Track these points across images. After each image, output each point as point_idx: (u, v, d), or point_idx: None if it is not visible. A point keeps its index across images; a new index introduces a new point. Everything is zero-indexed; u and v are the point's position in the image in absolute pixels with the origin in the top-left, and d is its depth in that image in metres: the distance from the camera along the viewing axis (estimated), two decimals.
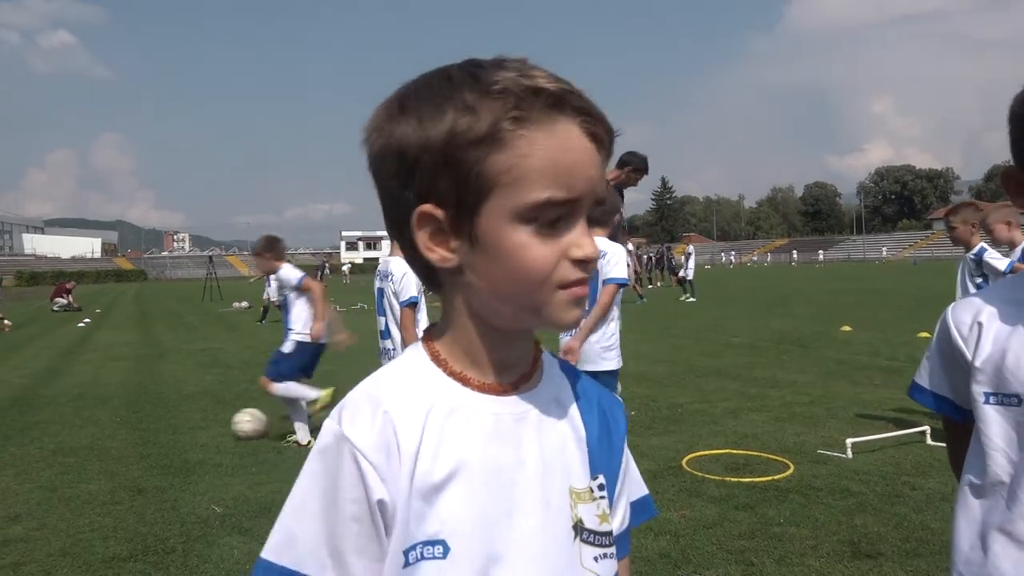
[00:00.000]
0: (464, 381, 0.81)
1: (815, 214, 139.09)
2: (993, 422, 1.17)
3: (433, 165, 0.74)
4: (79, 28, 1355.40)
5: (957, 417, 1.28)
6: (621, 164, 6.28)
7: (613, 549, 0.85)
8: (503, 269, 0.75)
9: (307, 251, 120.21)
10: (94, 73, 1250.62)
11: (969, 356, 1.21)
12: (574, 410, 0.87)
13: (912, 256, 76.50)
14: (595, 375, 3.17)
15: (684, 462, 5.16)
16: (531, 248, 0.74)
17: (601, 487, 0.85)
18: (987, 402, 1.17)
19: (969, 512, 1.19)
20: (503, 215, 0.73)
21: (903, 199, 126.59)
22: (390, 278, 4.27)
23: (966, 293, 5.60)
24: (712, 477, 4.82)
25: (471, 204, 0.74)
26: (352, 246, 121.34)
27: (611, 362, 4.28)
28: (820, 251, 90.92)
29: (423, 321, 4.18)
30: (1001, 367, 1.16)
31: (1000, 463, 1.15)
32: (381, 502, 0.75)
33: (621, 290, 4.32)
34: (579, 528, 0.82)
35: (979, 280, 5.60)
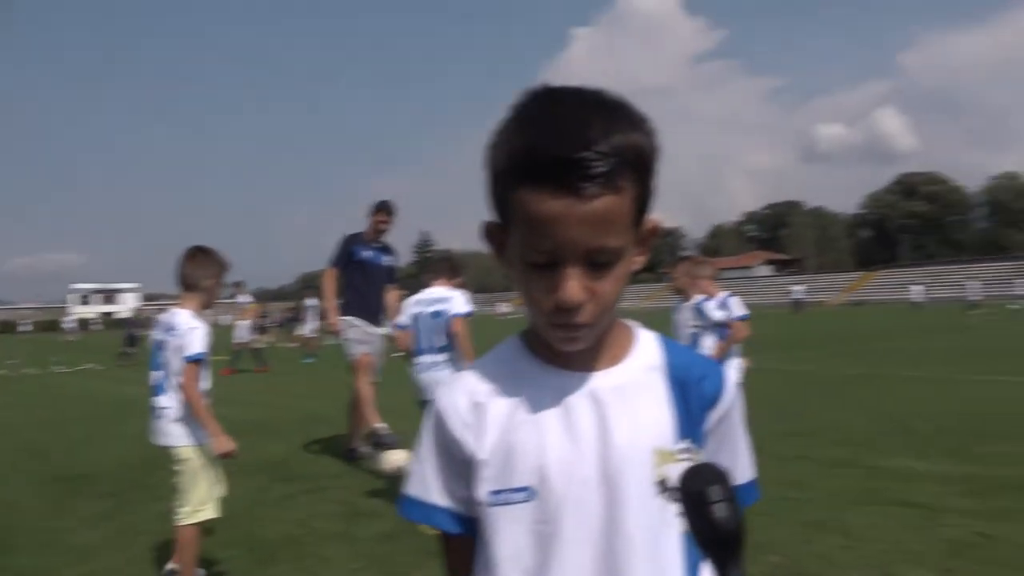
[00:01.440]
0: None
1: None
2: (502, 528, 0.97)
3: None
4: None
5: (457, 529, 1.02)
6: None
7: None
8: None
9: (31, 305, 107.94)
10: None
11: (472, 448, 0.99)
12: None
13: (649, 306, 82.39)
14: None
15: None
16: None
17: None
18: (494, 503, 0.97)
19: None
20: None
21: None
22: (174, 331, 3.88)
23: (683, 340, 5.88)
24: None
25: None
26: (85, 299, 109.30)
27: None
28: None
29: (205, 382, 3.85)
30: (508, 456, 0.97)
31: None
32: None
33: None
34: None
35: (693, 330, 5.94)
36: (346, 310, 6.98)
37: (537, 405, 0.98)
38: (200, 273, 3.82)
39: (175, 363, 3.72)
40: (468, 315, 5.37)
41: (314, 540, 4.77)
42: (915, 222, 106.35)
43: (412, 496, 1.05)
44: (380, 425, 6.68)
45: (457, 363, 5.23)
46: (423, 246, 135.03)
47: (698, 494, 0.84)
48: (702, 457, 1.00)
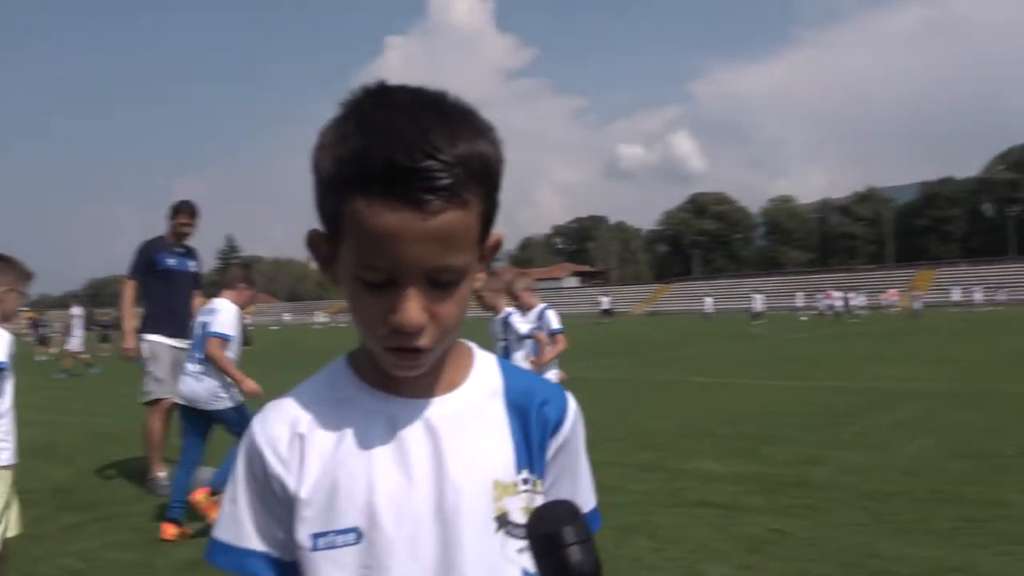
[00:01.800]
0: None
1: None
2: (324, 574, 0.85)
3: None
4: None
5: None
6: None
7: None
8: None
9: None
10: None
11: (292, 485, 0.87)
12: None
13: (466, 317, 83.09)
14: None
15: None
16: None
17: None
18: (317, 547, 0.85)
19: None
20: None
21: None
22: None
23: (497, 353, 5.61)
24: None
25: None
26: None
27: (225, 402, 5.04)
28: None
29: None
30: (333, 494, 0.86)
31: None
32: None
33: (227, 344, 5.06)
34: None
35: (503, 343, 5.95)
36: (149, 325, 6.37)
37: (365, 436, 0.88)
38: None
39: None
40: (223, 337, 5.04)
41: (107, 573, 4.32)
42: (705, 238, 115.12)
43: (221, 540, 0.90)
44: (161, 475, 6.18)
45: (217, 378, 5.03)
46: (228, 252, 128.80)
47: (551, 536, 0.78)
48: (544, 487, 0.93)
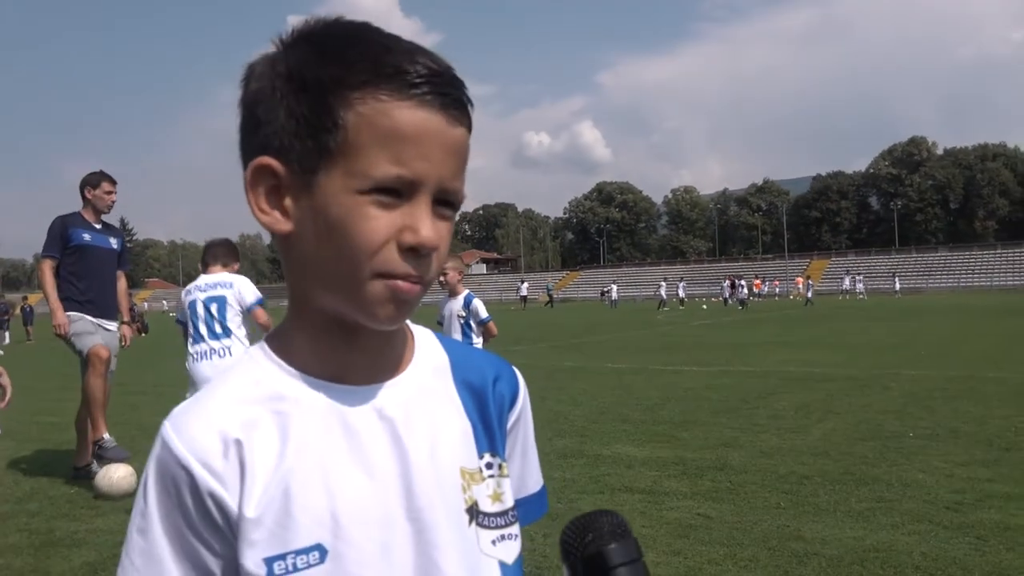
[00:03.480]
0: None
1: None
2: None
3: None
4: None
5: None
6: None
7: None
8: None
9: None
10: None
11: (232, 504, 0.71)
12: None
13: None
14: None
15: None
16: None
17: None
18: (272, 574, 0.69)
19: None
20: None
21: None
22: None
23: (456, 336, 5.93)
24: None
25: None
26: None
27: None
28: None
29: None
30: (286, 508, 0.71)
31: None
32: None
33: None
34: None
35: (463, 324, 5.97)
36: (68, 305, 5.93)
37: (314, 434, 0.74)
38: None
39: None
40: (261, 302, 5.15)
41: None
42: (611, 227, 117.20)
43: None
44: (107, 436, 5.84)
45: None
46: (124, 233, 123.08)
47: (596, 557, 0.67)
48: (508, 470, 0.84)
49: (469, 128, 0.74)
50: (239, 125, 0.76)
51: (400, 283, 0.70)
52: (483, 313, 6.03)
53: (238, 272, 5.31)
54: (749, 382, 10.55)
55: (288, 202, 0.72)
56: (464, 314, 6.01)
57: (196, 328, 4.98)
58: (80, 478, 5.95)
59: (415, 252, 0.70)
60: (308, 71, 0.70)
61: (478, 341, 6.06)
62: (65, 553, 4.31)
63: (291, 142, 0.71)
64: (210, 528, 0.71)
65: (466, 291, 6.13)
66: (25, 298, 34.29)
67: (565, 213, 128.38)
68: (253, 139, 0.74)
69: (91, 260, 6.03)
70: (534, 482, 0.92)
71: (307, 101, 0.70)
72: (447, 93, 0.70)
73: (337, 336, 0.76)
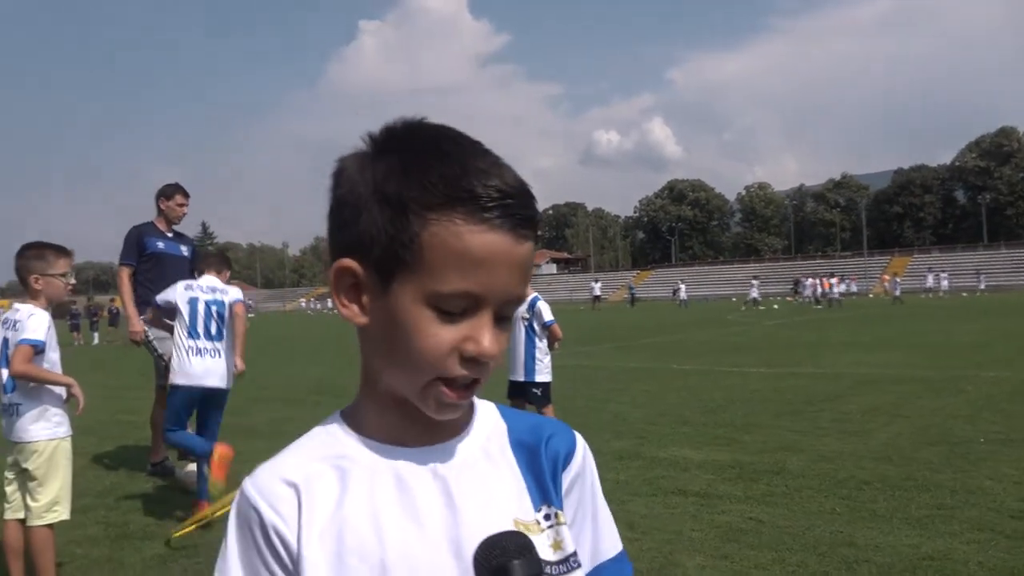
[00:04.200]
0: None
1: None
2: None
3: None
4: None
5: None
6: None
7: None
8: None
9: None
10: None
11: (292, 542, 0.80)
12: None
13: None
14: None
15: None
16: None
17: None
18: None
19: None
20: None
21: None
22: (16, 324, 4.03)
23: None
24: None
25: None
26: None
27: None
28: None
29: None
30: (339, 553, 0.79)
31: None
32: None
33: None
34: None
35: (527, 325, 6.05)
36: (145, 311, 6.27)
37: (370, 490, 0.81)
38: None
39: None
40: (242, 301, 5.57)
41: (72, 570, 4.22)
42: (683, 225, 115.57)
43: None
44: (168, 459, 6.27)
45: (230, 351, 5.36)
46: (204, 238, 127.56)
47: (500, 570, 0.73)
48: (579, 536, 0.89)
49: (536, 240, 0.81)
50: (328, 215, 0.83)
51: (451, 392, 0.78)
52: (547, 316, 6.07)
53: (229, 280, 5.67)
54: (817, 384, 10.33)
55: (366, 299, 0.80)
56: (528, 316, 6.06)
57: (194, 324, 5.21)
58: (156, 474, 6.28)
59: (475, 361, 0.76)
60: (390, 187, 0.77)
61: (542, 345, 6.11)
62: (138, 545, 4.57)
63: (372, 248, 0.78)
64: (278, 562, 0.81)
65: (533, 293, 6.16)
66: (112, 300, 36.10)
67: (636, 212, 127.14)
68: (339, 236, 0.81)
69: (165, 267, 6.34)
70: (610, 546, 0.93)
71: (388, 214, 0.76)
72: (516, 214, 0.76)
73: (401, 411, 0.83)
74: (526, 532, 0.82)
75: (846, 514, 4.62)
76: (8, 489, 3.81)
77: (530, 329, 6.07)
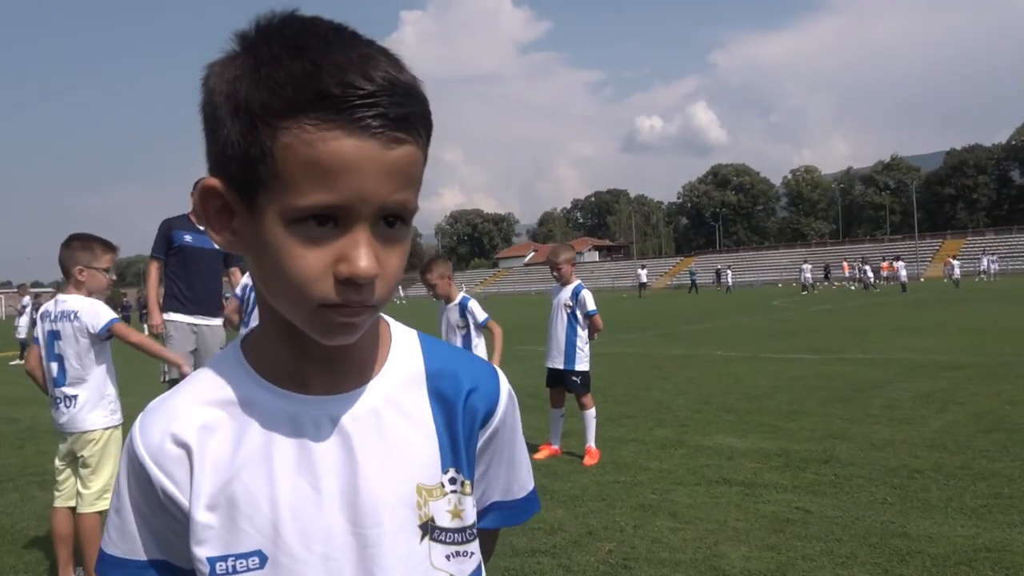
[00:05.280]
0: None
1: None
2: None
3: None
4: None
5: None
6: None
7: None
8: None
9: None
10: None
11: (183, 502, 0.76)
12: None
13: (483, 292, 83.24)
14: None
15: None
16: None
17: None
18: (215, 573, 0.75)
19: None
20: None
21: (474, 240, 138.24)
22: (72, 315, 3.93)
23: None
24: None
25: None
26: None
27: None
28: (400, 288, 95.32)
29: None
30: (232, 512, 0.75)
31: None
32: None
33: None
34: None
35: (463, 332, 5.80)
36: (166, 304, 6.36)
37: (265, 443, 0.76)
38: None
39: (72, 347, 3.79)
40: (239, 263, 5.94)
41: None
42: (727, 210, 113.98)
43: (112, 555, 0.80)
44: None
45: None
46: None
47: None
48: (472, 486, 0.84)
49: (420, 141, 0.71)
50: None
51: (339, 315, 0.70)
52: (590, 305, 5.99)
53: None
54: (866, 370, 10.07)
55: (237, 223, 0.73)
56: (571, 303, 6.00)
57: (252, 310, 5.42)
58: None
59: (352, 282, 0.68)
60: (241, 92, 0.68)
61: (583, 334, 6.04)
62: None
63: (230, 165, 0.70)
64: (169, 517, 0.78)
65: (577, 281, 6.11)
66: (124, 294, 37.00)
67: (679, 198, 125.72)
68: (208, 154, 0.73)
69: (192, 260, 6.38)
70: (519, 487, 0.92)
71: (239, 126, 0.68)
72: (382, 114, 0.67)
73: (298, 343, 0.76)
74: (428, 497, 0.79)
75: (898, 504, 4.48)
76: (59, 478, 3.87)
77: (572, 317, 6.00)
